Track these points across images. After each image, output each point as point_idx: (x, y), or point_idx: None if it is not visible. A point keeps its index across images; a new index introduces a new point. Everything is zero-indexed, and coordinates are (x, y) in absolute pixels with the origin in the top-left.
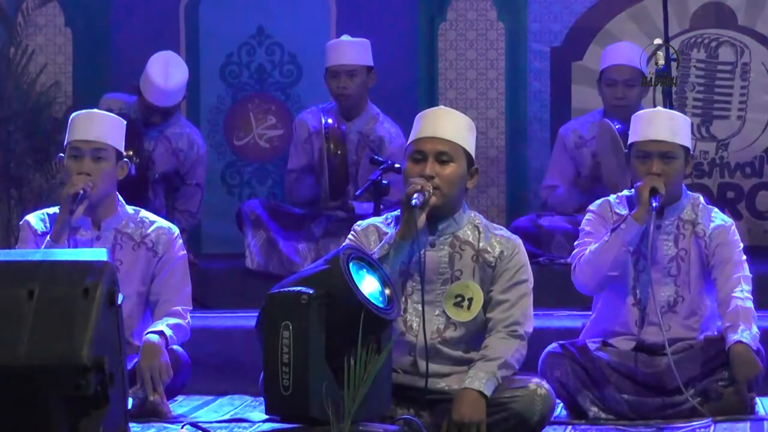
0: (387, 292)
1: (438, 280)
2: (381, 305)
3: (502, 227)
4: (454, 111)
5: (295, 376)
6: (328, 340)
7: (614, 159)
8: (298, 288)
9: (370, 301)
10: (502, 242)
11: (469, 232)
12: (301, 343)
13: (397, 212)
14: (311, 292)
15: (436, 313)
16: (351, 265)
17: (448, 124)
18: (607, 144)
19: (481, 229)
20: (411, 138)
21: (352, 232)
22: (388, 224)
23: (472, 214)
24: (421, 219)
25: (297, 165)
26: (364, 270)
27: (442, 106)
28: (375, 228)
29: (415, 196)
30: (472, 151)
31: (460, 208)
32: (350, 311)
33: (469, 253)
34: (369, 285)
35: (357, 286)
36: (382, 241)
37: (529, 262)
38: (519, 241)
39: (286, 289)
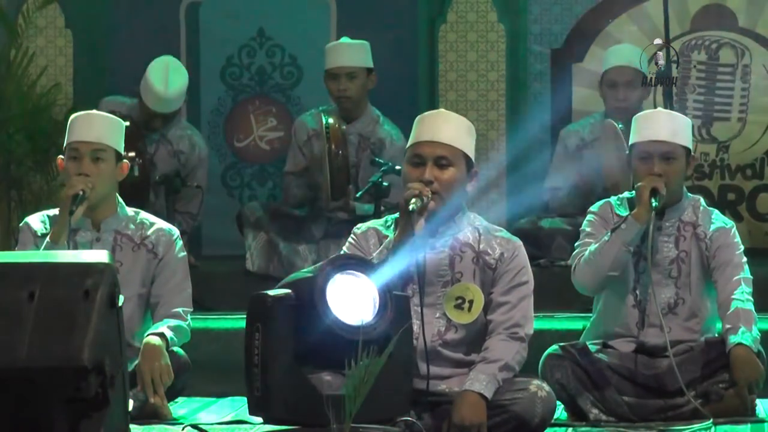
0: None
1: (438, 283)
2: (351, 322)
3: (502, 229)
4: (454, 114)
5: (263, 377)
6: (303, 343)
7: (616, 158)
8: (276, 291)
9: (335, 317)
10: (503, 244)
11: (469, 234)
12: (268, 345)
13: (397, 215)
14: (280, 294)
15: (437, 315)
16: (342, 274)
17: (448, 128)
18: (609, 142)
19: (481, 231)
20: (410, 141)
21: (351, 236)
22: (388, 227)
23: (472, 216)
24: (420, 224)
25: (294, 168)
26: (357, 281)
27: (441, 110)
28: (375, 231)
29: (413, 201)
30: (472, 154)
31: (459, 210)
32: (318, 320)
33: (470, 255)
34: (352, 299)
35: (325, 298)
36: (381, 246)
37: (529, 264)
38: (519, 242)
39: (262, 292)
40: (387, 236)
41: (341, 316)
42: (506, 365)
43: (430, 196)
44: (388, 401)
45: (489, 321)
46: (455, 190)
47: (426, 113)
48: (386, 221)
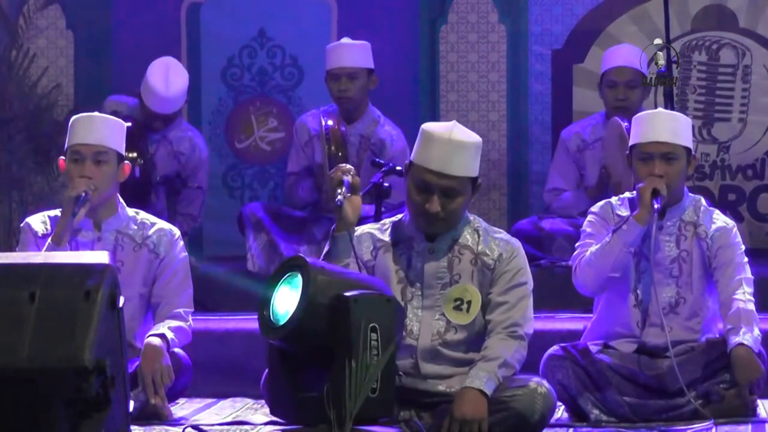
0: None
1: (437, 285)
2: (277, 320)
3: (501, 230)
4: (464, 139)
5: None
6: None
7: (620, 157)
8: None
9: (262, 313)
10: (501, 245)
11: (468, 236)
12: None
13: (395, 218)
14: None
15: (437, 317)
16: (291, 274)
17: (459, 159)
18: (614, 141)
19: (480, 233)
20: (416, 157)
21: None
22: (385, 230)
23: (471, 218)
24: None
25: (296, 168)
26: (297, 282)
27: (453, 133)
28: (369, 235)
29: (338, 194)
30: (477, 171)
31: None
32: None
33: (468, 257)
34: (288, 297)
35: (269, 295)
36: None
37: (528, 265)
38: (518, 244)
39: None
40: (382, 240)
41: (276, 317)
42: (505, 363)
43: (351, 176)
44: (371, 401)
45: (488, 321)
46: (462, 212)
47: (435, 132)
48: (383, 224)
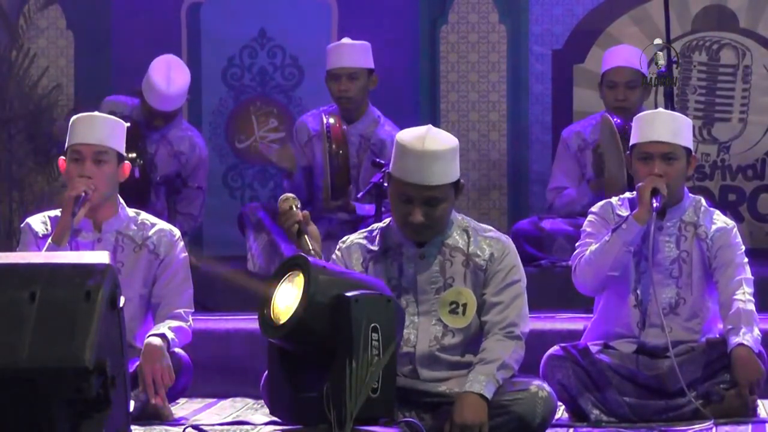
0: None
1: (431, 290)
2: (278, 319)
3: (491, 228)
4: (439, 147)
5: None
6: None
7: (613, 152)
8: None
9: (262, 312)
10: (492, 244)
11: (458, 237)
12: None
13: (383, 223)
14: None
15: (433, 322)
16: (293, 273)
17: (436, 168)
18: (606, 137)
19: (470, 233)
20: (395, 168)
21: (337, 249)
22: (373, 239)
23: (460, 218)
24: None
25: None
26: (298, 281)
27: (426, 143)
28: (359, 246)
29: (294, 228)
30: (458, 173)
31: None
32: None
33: (460, 259)
34: (289, 296)
35: (270, 294)
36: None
37: (520, 262)
38: (509, 241)
39: None
40: (371, 250)
41: (277, 316)
42: (504, 364)
43: (300, 210)
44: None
45: (484, 322)
46: (447, 217)
47: (408, 143)
48: (371, 231)
